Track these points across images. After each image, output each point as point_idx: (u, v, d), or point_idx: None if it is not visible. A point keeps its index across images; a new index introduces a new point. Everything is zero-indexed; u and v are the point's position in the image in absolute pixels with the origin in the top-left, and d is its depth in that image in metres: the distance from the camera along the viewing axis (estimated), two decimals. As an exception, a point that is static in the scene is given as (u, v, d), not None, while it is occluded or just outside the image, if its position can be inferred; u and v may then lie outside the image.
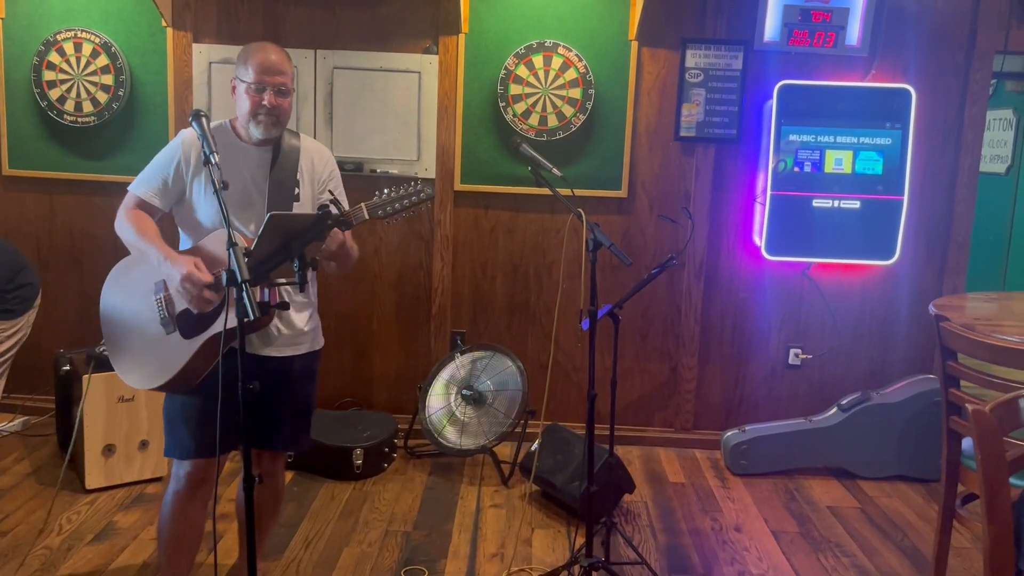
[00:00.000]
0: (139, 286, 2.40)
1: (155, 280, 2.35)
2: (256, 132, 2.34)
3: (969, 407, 1.70)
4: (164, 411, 2.44)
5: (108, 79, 3.96)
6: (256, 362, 2.37)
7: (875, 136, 3.87)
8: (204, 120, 2.14)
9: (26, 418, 4.11)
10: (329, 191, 2.46)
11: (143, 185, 2.39)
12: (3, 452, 3.78)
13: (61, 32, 3.94)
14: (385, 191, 2.32)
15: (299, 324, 2.47)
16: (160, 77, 3.98)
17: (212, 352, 2.28)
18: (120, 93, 3.97)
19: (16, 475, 3.56)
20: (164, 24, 3.92)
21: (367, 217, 2.28)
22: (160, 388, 2.35)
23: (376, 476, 3.76)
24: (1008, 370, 2.63)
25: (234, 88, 2.37)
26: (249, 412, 2.02)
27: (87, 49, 3.94)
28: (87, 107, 3.98)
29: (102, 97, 3.97)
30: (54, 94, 3.97)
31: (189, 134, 2.38)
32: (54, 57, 3.95)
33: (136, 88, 3.99)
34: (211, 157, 2.05)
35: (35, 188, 4.11)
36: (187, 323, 2.30)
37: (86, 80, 3.96)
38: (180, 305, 2.31)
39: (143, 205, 2.38)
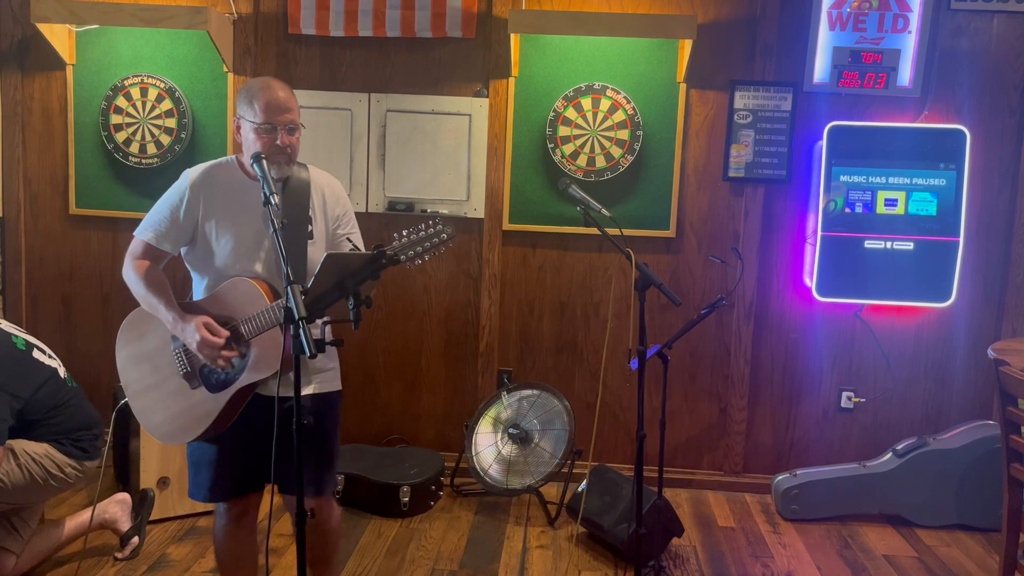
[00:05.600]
0: (154, 339, 2.38)
1: (169, 334, 2.35)
2: (270, 172, 2.25)
3: (1031, 454, 1.66)
4: (189, 455, 2.43)
5: (171, 122, 4.12)
6: (271, 403, 2.22)
7: (929, 177, 3.83)
8: (264, 163, 2.20)
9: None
10: (347, 238, 2.42)
11: (150, 229, 2.36)
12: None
13: (128, 78, 4.11)
14: (404, 233, 2.21)
15: (320, 363, 2.40)
16: (220, 120, 4.12)
17: (241, 401, 2.30)
18: (182, 136, 4.12)
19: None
20: (225, 69, 4.07)
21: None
22: (193, 441, 2.36)
23: (423, 514, 3.77)
24: (1072, 417, 2.56)
25: (238, 127, 2.32)
26: (268, 456, 2.06)
27: (152, 94, 4.11)
28: (151, 149, 4.14)
29: (165, 139, 4.13)
30: (120, 137, 4.14)
31: (196, 173, 2.36)
32: (121, 101, 4.12)
33: (197, 131, 4.14)
34: (271, 198, 2.10)
35: (99, 226, 4.26)
36: (212, 377, 2.32)
37: (151, 123, 4.12)
38: (201, 361, 2.31)
39: (151, 251, 2.36)
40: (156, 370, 2.38)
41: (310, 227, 2.36)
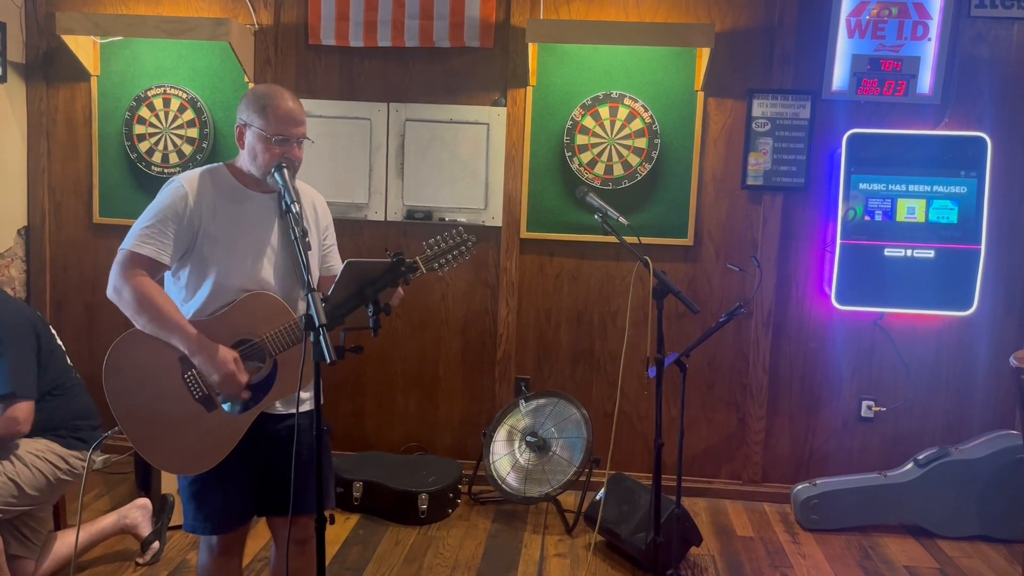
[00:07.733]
0: (152, 364, 2.18)
1: (175, 356, 2.17)
2: (274, 184, 2.19)
3: (1054, 464, 1.64)
4: (188, 487, 2.25)
5: (193, 132, 4.16)
6: (271, 421, 2.27)
7: (949, 185, 3.80)
8: (285, 171, 2.20)
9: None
10: (331, 251, 2.47)
11: (149, 242, 2.13)
12: (84, 489, 3.91)
13: (151, 88, 4.17)
14: (433, 242, 2.32)
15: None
16: (241, 130, 4.16)
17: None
18: (204, 145, 4.16)
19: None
20: (246, 80, 4.11)
21: (424, 271, 2.29)
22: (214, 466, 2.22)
23: (440, 521, 3.77)
24: (1096, 426, 2.53)
25: (242, 134, 2.22)
26: (269, 478, 2.07)
27: (175, 104, 4.16)
28: (173, 158, 4.19)
29: (187, 149, 4.18)
30: (143, 147, 4.19)
31: (193, 180, 2.20)
32: (144, 112, 4.17)
33: (219, 140, 4.18)
34: (292, 207, 2.11)
35: (122, 235, 4.20)
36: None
37: (173, 133, 4.17)
38: None
39: (148, 265, 2.14)
40: (160, 397, 2.18)
41: (307, 238, 2.23)
